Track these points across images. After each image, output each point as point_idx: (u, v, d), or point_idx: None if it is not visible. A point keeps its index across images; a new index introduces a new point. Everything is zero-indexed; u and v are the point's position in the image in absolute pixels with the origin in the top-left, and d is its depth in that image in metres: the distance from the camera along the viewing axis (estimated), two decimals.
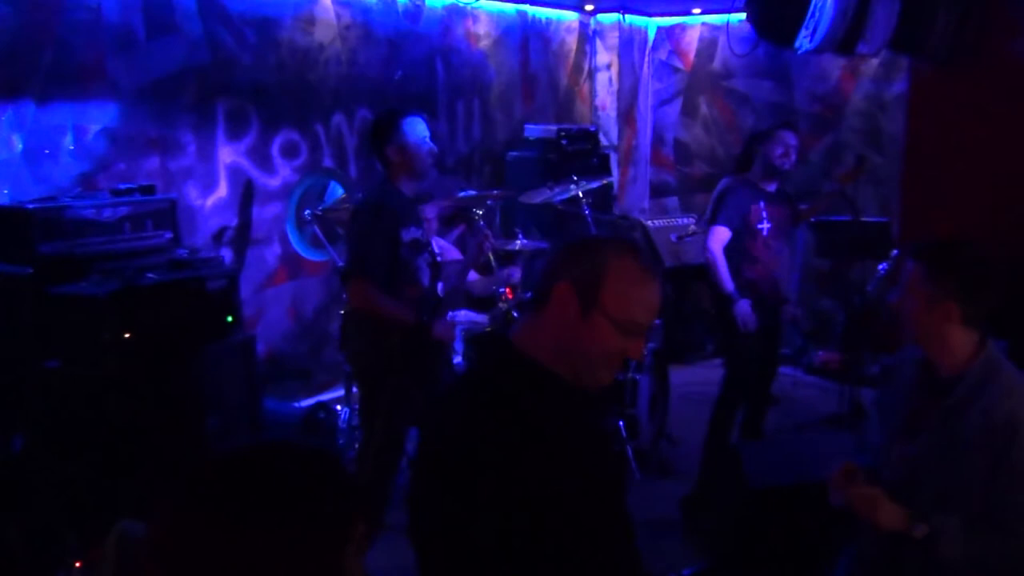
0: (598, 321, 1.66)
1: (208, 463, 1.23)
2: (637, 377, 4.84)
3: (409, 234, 3.76)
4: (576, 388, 1.71)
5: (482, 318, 5.22)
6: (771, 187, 4.47)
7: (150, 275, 3.93)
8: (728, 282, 4.36)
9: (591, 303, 1.66)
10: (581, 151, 6.82)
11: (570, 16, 7.59)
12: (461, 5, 6.51)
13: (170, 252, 4.22)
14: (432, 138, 3.83)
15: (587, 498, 1.60)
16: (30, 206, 3.84)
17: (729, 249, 4.40)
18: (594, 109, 7.94)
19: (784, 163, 4.40)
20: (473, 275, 5.06)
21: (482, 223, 4.32)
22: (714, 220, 4.44)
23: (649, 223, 7.29)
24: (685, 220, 7.33)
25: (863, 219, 5.13)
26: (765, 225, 4.42)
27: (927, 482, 2.25)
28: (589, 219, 5.19)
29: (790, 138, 4.43)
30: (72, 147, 4.38)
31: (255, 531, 1.16)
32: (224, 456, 1.24)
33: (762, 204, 4.42)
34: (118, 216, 4.09)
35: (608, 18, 7.76)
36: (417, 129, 3.76)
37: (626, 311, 1.67)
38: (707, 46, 7.87)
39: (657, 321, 6.40)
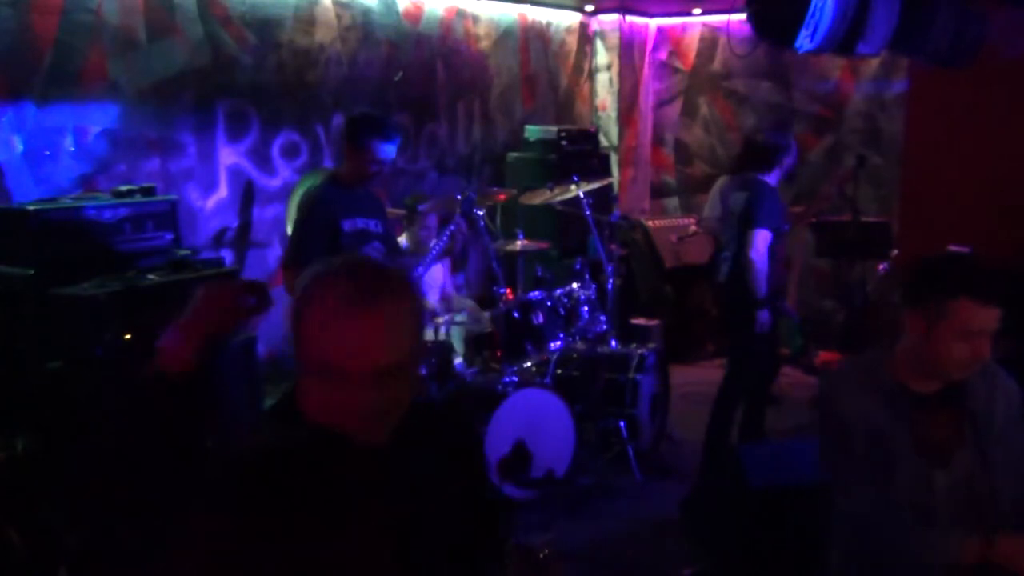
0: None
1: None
2: (638, 377, 4.84)
3: (352, 224, 3.81)
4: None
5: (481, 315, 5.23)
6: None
7: (151, 276, 3.93)
8: (765, 288, 4.40)
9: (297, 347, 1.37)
10: (581, 152, 6.82)
11: (570, 17, 7.59)
12: (461, 7, 6.52)
13: (171, 253, 4.23)
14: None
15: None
16: (31, 207, 3.84)
17: None
18: (594, 110, 7.94)
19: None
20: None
21: (459, 217, 4.44)
22: (757, 223, 4.36)
23: (649, 223, 7.30)
24: (685, 220, 7.34)
25: (863, 219, 5.13)
26: (787, 226, 4.60)
27: (1004, 490, 2.16)
28: (590, 219, 5.20)
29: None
30: (73, 148, 4.39)
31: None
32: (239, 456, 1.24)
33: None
34: (119, 217, 4.09)
35: (608, 19, 7.76)
36: (389, 152, 3.86)
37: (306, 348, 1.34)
38: (707, 46, 7.87)
39: (656, 321, 6.44)
